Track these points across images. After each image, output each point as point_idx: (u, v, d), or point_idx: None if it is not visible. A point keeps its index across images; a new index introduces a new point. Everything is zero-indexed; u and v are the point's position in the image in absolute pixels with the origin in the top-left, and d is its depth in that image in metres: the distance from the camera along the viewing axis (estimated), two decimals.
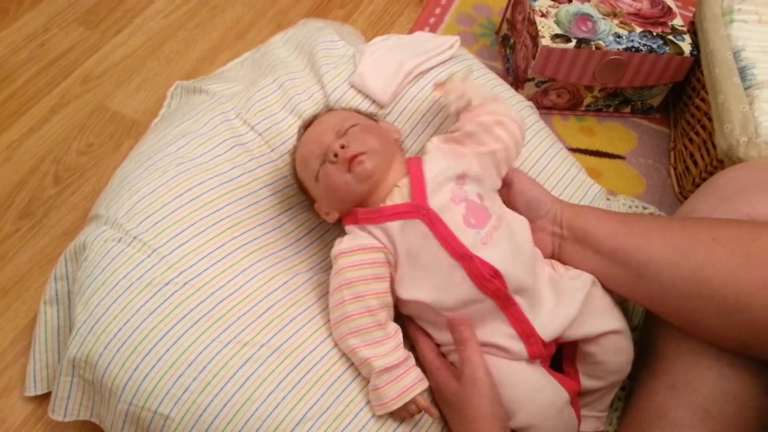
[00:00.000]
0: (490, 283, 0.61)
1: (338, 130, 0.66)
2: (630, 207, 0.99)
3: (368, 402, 0.62)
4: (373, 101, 0.80)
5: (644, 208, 1.01)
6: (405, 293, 0.63)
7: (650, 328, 0.71)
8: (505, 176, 0.69)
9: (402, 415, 0.61)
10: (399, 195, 0.65)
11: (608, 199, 0.98)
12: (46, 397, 0.71)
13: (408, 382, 0.61)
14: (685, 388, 0.62)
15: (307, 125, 0.71)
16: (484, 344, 0.62)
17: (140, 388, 0.59)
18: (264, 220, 0.72)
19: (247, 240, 0.69)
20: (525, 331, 0.62)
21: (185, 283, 0.63)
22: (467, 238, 0.62)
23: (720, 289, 0.57)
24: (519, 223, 0.67)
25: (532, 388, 0.62)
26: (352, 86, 0.81)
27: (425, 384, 0.62)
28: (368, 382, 0.62)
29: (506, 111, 0.69)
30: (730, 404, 0.60)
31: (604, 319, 0.65)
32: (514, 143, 0.68)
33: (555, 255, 0.69)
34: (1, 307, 0.79)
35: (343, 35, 0.92)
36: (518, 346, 0.62)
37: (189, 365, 0.59)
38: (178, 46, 1.08)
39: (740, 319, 0.56)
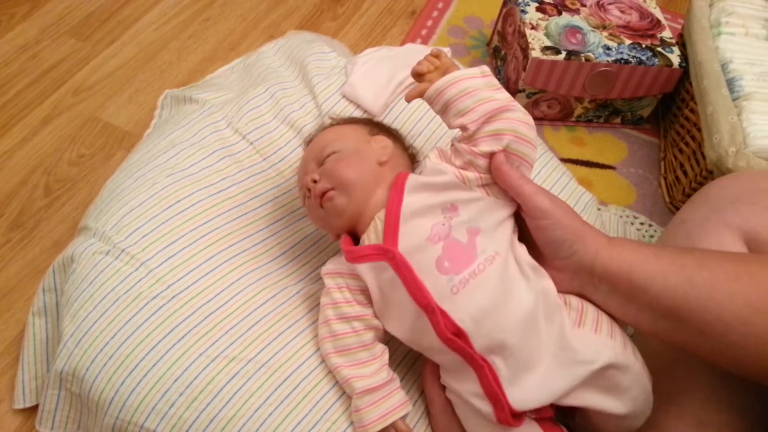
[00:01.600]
0: (452, 341, 0.55)
1: (318, 159, 0.64)
2: (621, 217, 1.00)
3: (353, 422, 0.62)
4: (365, 111, 0.80)
5: (635, 217, 1.01)
6: (385, 325, 0.61)
7: (643, 336, 0.71)
8: (529, 202, 0.56)
9: None
10: (374, 232, 0.60)
11: (599, 209, 0.98)
12: (35, 409, 0.70)
13: (389, 406, 0.59)
14: (679, 397, 0.62)
15: (308, 143, 0.71)
16: (458, 395, 0.58)
17: (126, 403, 0.59)
18: (253, 232, 0.72)
19: (236, 252, 0.69)
20: (491, 396, 0.55)
21: (173, 297, 0.63)
22: (436, 285, 0.55)
23: None
24: (530, 260, 0.58)
25: None
26: (344, 96, 0.81)
27: (408, 408, 0.60)
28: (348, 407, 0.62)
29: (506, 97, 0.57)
30: (723, 413, 0.60)
31: (607, 401, 0.56)
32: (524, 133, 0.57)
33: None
34: None
35: (334, 48, 0.92)
36: (485, 408, 0.55)
37: (175, 380, 0.59)
38: (170, 57, 1.09)
39: None
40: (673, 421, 0.61)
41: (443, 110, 0.58)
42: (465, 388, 0.57)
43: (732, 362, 0.53)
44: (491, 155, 0.56)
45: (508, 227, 0.58)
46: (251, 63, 0.90)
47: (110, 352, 0.60)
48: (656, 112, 1.12)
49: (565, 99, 1.06)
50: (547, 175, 0.84)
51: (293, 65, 0.88)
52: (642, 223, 1.00)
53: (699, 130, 0.97)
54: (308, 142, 0.71)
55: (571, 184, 0.86)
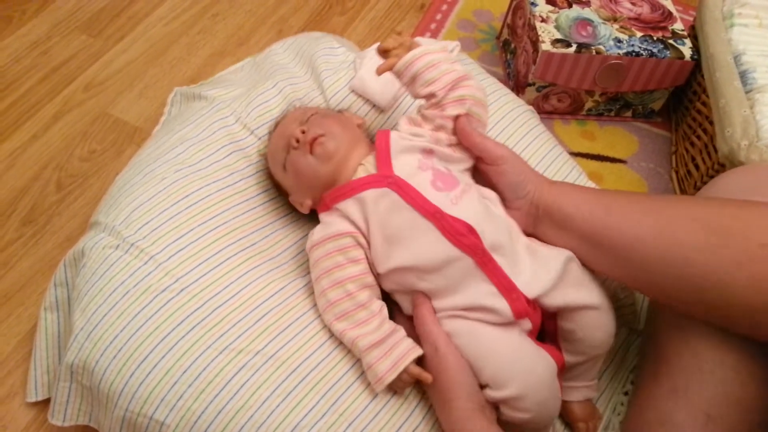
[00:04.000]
0: (465, 237, 0.62)
1: (300, 120, 0.70)
2: None
3: (362, 412, 0.62)
4: (373, 105, 0.80)
5: None
6: (383, 266, 0.65)
7: (653, 332, 0.71)
8: (491, 153, 0.67)
9: (399, 386, 0.62)
10: (364, 171, 0.67)
11: None
12: (47, 402, 0.71)
13: (398, 354, 0.62)
14: (687, 392, 0.62)
15: (275, 127, 0.75)
16: (469, 308, 0.63)
17: (136, 395, 0.59)
18: (261, 226, 0.73)
19: (244, 246, 0.69)
20: (506, 286, 0.63)
21: (181, 290, 0.63)
22: (437, 198, 0.64)
23: (699, 269, 0.56)
24: (490, 193, 0.68)
25: (526, 358, 0.63)
26: (353, 91, 0.81)
27: (418, 351, 0.63)
28: (364, 388, 0.63)
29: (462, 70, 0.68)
30: (732, 408, 0.60)
31: (581, 293, 0.65)
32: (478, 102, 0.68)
33: (530, 234, 0.69)
34: (4, 313, 0.80)
35: (343, 44, 0.92)
36: (501, 303, 0.63)
37: (184, 372, 0.59)
38: (180, 52, 1.09)
39: (720, 298, 0.56)
40: (683, 416, 0.61)
41: (411, 81, 0.67)
42: (479, 293, 0.63)
43: (649, 288, 0.63)
44: (456, 118, 0.67)
45: (469, 174, 0.70)
46: (261, 60, 0.91)
47: (120, 345, 0.60)
48: (667, 105, 1.11)
49: (575, 92, 1.05)
50: (557, 169, 0.84)
51: (302, 61, 0.88)
52: (631, 192, 0.99)
53: (711, 123, 0.95)
54: (276, 125, 0.76)
55: (582, 178, 0.85)
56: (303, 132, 0.68)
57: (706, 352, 0.62)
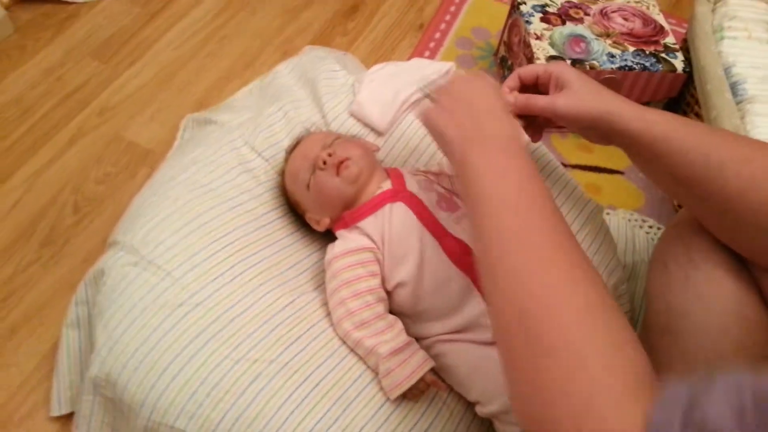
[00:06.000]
0: (465, 257, 0.68)
1: (324, 144, 0.75)
2: (629, 220, 1.02)
3: (373, 416, 0.65)
4: (372, 129, 0.84)
5: (644, 221, 1.03)
6: (390, 281, 0.69)
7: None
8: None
9: (414, 392, 0.65)
10: (380, 191, 0.74)
11: (608, 213, 1.01)
12: (70, 416, 0.75)
13: (416, 362, 0.66)
14: (689, 316, 0.66)
15: (292, 148, 0.79)
16: (462, 329, 0.68)
17: (157, 405, 0.62)
18: (270, 243, 0.76)
19: (255, 262, 0.73)
20: None
21: (197, 305, 0.66)
22: (441, 218, 0.70)
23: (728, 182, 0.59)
24: None
25: None
26: (352, 115, 0.85)
27: (431, 363, 0.67)
28: (375, 393, 0.66)
29: None
30: (735, 324, 0.63)
31: None
32: None
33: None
34: (25, 333, 0.83)
35: (345, 64, 0.96)
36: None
37: (202, 383, 0.62)
38: (189, 76, 1.13)
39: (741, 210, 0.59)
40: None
41: None
42: (470, 313, 0.67)
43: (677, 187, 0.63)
44: None
45: None
46: (267, 83, 0.95)
47: (141, 358, 0.64)
48: None
49: None
50: (552, 183, 0.87)
51: (305, 84, 0.91)
52: (651, 227, 1.02)
53: None
54: (293, 147, 0.79)
55: (576, 192, 0.87)
56: (329, 155, 0.72)
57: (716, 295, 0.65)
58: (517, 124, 0.63)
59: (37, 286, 0.87)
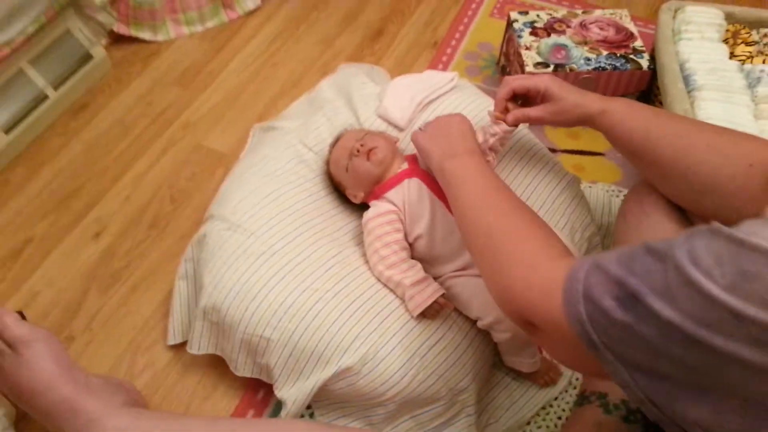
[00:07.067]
0: None
1: (357, 138, 1.00)
2: (608, 191, 1.25)
3: (401, 328, 0.90)
4: (395, 126, 1.10)
5: (620, 191, 1.26)
6: (411, 235, 0.94)
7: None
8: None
9: (430, 312, 0.90)
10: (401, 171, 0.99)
11: (590, 186, 1.24)
12: (182, 345, 1.02)
13: (432, 290, 0.90)
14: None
15: (334, 143, 1.05)
16: (463, 267, 0.93)
17: (251, 321, 0.89)
18: (322, 212, 1.03)
19: (312, 225, 0.99)
20: None
21: (274, 253, 0.93)
22: None
23: (704, 178, 0.79)
24: None
25: None
26: (379, 116, 1.12)
27: (442, 290, 0.91)
28: (402, 312, 0.91)
29: None
30: None
31: None
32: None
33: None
34: (143, 288, 1.11)
35: (373, 76, 1.23)
36: None
37: (280, 304, 0.89)
38: (250, 96, 1.42)
39: (714, 199, 0.79)
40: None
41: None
42: (468, 256, 0.91)
43: (667, 186, 0.86)
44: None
45: None
46: (313, 96, 1.22)
47: (237, 290, 0.91)
48: None
49: None
50: (537, 161, 1.11)
51: (342, 95, 1.19)
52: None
53: None
54: (335, 142, 1.05)
55: (557, 167, 1.10)
56: (362, 145, 0.98)
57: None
58: (477, 143, 0.88)
59: (149, 256, 1.15)
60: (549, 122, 0.93)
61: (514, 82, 0.93)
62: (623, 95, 1.33)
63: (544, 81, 0.91)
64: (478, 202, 0.77)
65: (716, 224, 0.44)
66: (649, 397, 0.48)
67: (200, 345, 0.97)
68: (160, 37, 1.51)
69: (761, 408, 0.43)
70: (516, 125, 0.95)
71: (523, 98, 0.95)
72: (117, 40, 1.50)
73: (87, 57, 1.39)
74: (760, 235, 0.41)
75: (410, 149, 1.04)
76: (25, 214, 1.21)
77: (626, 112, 0.88)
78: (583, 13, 1.39)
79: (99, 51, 1.41)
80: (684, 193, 0.87)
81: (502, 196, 0.77)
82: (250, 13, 1.60)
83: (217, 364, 1.00)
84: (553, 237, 0.68)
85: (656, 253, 0.47)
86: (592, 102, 0.89)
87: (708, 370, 0.43)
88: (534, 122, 0.93)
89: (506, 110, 0.94)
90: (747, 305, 0.40)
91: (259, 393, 1.00)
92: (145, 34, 1.50)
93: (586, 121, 0.90)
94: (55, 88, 1.34)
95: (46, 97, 1.32)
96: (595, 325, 0.50)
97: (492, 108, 0.97)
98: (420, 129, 0.95)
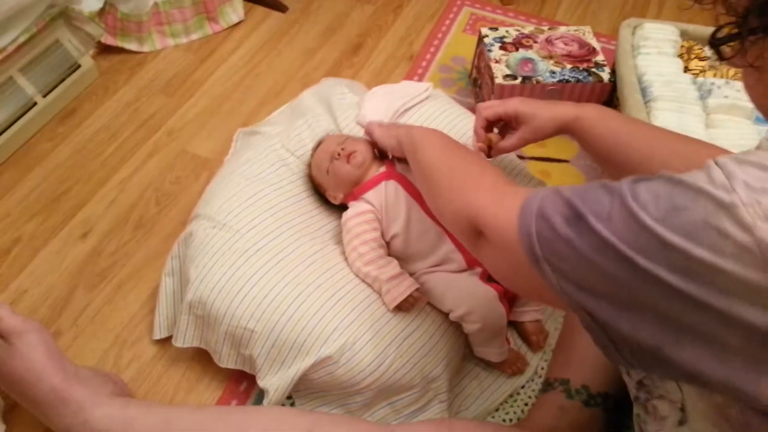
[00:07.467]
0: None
1: (338, 142, 1.06)
2: None
3: (378, 319, 0.96)
4: None
5: None
6: (387, 234, 1.01)
7: None
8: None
9: (405, 305, 0.96)
10: (378, 174, 1.05)
11: None
12: (166, 340, 1.06)
13: (407, 284, 0.96)
14: None
15: (316, 147, 1.12)
16: (438, 263, 1.00)
17: (235, 314, 0.94)
18: (303, 212, 1.09)
19: (294, 224, 1.05)
20: (461, 246, 0.99)
21: (258, 250, 0.99)
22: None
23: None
24: None
25: (471, 288, 0.98)
26: (358, 123, 1.18)
27: (417, 285, 0.97)
28: (379, 305, 0.97)
29: None
30: None
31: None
32: None
33: None
34: (130, 286, 1.15)
35: (352, 88, 1.30)
36: (458, 256, 1.00)
37: (264, 297, 0.94)
38: (233, 104, 1.48)
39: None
40: None
41: None
42: (443, 252, 0.99)
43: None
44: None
45: None
46: (295, 104, 1.28)
47: (222, 284, 0.96)
48: None
49: None
50: (505, 165, 1.19)
51: (323, 104, 1.25)
52: None
53: None
54: (317, 146, 1.11)
55: (523, 171, 1.18)
56: (342, 149, 1.04)
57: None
58: None
59: (135, 255, 1.20)
60: (532, 141, 0.97)
61: (486, 111, 0.98)
62: None
63: (513, 105, 0.96)
64: (444, 151, 0.84)
65: (663, 171, 0.52)
66: (581, 306, 0.55)
67: (185, 338, 1.01)
68: (146, 48, 1.57)
69: (672, 322, 0.51)
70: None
71: (499, 123, 1.01)
72: (105, 50, 1.55)
73: (75, 66, 1.44)
74: (696, 177, 0.49)
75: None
76: (14, 215, 1.24)
77: (598, 119, 0.94)
78: (549, 29, 1.47)
79: (87, 60, 1.46)
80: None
81: (464, 152, 0.84)
82: (234, 26, 1.66)
83: (200, 358, 1.04)
84: (509, 178, 0.76)
85: (607, 188, 0.54)
86: (565, 111, 0.94)
87: (630, 286, 0.51)
88: (518, 148, 0.99)
89: (487, 138, 0.99)
90: (672, 235, 0.48)
91: (242, 384, 1.04)
92: (132, 45, 1.55)
93: (563, 129, 0.95)
94: (44, 95, 1.38)
95: (35, 103, 1.36)
96: (541, 239, 0.57)
97: (473, 138, 1.02)
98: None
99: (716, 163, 0.49)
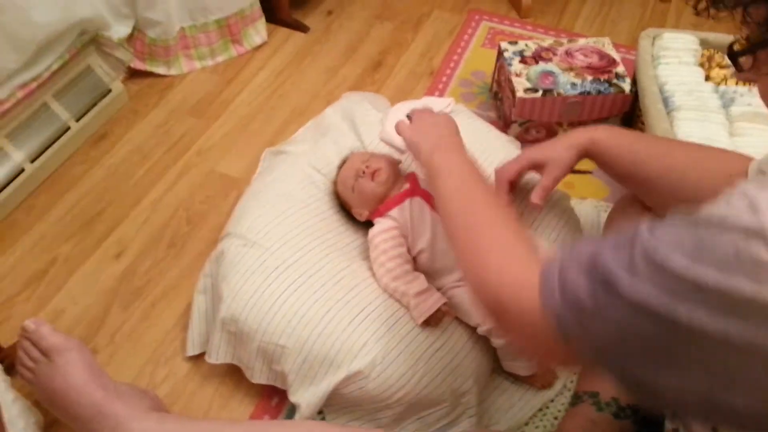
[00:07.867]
0: None
1: (362, 160, 1.08)
2: (596, 207, 1.34)
3: (406, 335, 0.97)
4: (396, 149, 1.19)
5: (608, 207, 1.34)
6: (414, 250, 1.02)
7: None
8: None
9: (434, 320, 0.97)
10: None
11: (580, 203, 1.32)
12: (200, 356, 1.09)
13: (436, 298, 0.97)
14: None
15: (341, 164, 1.14)
16: (462, 279, 0.99)
17: (267, 330, 0.97)
18: (330, 229, 1.10)
19: (322, 240, 1.07)
20: None
21: (288, 267, 1.01)
22: None
23: (689, 192, 0.86)
24: None
25: None
26: (381, 140, 1.20)
27: (444, 299, 0.98)
28: (407, 320, 0.98)
29: None
30: None
31: None
32: None
33: None
34: (164, 304, 1.19)
35: (375, 103, 1.32)
36: None
37: (294, 313, 0.96)
38: (260, 123, 1.51)
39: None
40: None
41: None
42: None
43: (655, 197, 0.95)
44: None
45: None
46: (319, 122, 1.31)
47: (254, 301, 0.98)
48: None
49: (548, 125, 1.42)
50: (529, 180, 1.20)
51: (347, 121, 1.28)
52: None
53: None
54: (342, 163, 1.13)
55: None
56: (367, 167, 1.06)
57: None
58: (459, 133, 0.93)
59: (168, 274, 1.23)
60: (562, 176, 1.00)
61: (507, 174, 1.02)
62: (608, 117, 1.42)
63: (525, 156, 1.00)
64: (461, 192, 0.81)
65: (676, 211, 0.51)
66: (620, 369, 0.54)
67: (218, 354, 1.04)
68: (173, 72, 1.61)
69: (719, 370, 0.48)
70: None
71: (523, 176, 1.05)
72: (134, 74, 1.60)
73: (106, 90, 1.49)
74: (716, 209, 0.48)
75: (412, 169, 1.13)
76: (50, 237, 1.29)
77: (611, 139, 0.96)
78: (568, 41, 1.49)
79: (117, 85, 1.51)
80: (667, 206, 0.95)
81: (484, 193, 0.80)
82: (257, 48, 1.70)
83: (232, 374, 1.07)
84: (526, 233, 0.74)
85: (626, 242, 0.52)
86: (578, 135, 0.97)
87: (671, 340, 0.49)
88: (553, 188, 1.01)
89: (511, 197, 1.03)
90: (706, 274, 0.45)
91: (274, 399, 1.06)
92: (160, 69, 1.60)
93: (584, 153, 0.98)
94: (77, 119, 1.43)
95: (68, 128, 1.41)
96: (570, 318, 0.55)
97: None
98: (409, 117, 0.99)
99: (737, 192, 0.48)
